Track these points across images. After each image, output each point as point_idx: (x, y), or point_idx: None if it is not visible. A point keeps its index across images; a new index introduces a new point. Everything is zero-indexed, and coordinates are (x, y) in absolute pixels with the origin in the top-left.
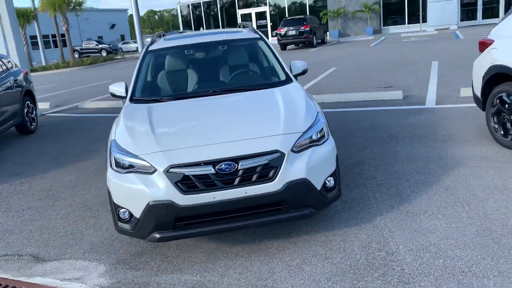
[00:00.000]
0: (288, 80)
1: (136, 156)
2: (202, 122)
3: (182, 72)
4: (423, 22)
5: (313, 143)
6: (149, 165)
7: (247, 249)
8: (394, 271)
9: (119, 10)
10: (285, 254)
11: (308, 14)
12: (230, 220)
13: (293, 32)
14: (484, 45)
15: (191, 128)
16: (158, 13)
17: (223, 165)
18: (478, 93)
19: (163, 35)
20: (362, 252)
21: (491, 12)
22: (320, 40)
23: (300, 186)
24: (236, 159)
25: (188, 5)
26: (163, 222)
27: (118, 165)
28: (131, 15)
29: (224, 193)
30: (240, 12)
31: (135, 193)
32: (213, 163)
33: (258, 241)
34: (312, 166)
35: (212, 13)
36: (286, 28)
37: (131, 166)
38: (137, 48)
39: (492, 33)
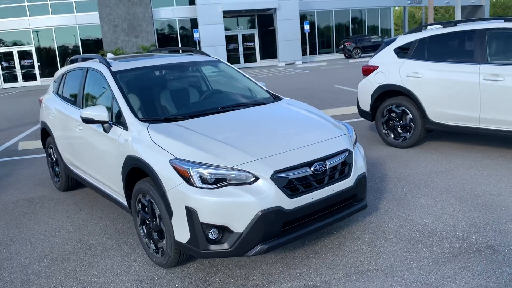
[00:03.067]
0: (276, 97)
1: (230, 168)
2: (255, 132)
3: (170, 93)
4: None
5: (355, 142)
6: (250, 174)
7: (306, 251)
8: None
9: None
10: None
11: (82, 53)
12: (321, 218)
13: None
14: (369, 70)
15: (255, 138)
16: None
17: (317, 166)
18: (367, 108)
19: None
20: None
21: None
22: None
23: (364, 180)
24: (324, 159)
25: None
26: (272, 230)
27: (205, 181)
28: None
29: (319, 193)
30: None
31: (238, 206)
32: (309, 164)
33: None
34: (364, 162)
35: None
36: None
37: (222, 179)
38: None
39: (373, 60)
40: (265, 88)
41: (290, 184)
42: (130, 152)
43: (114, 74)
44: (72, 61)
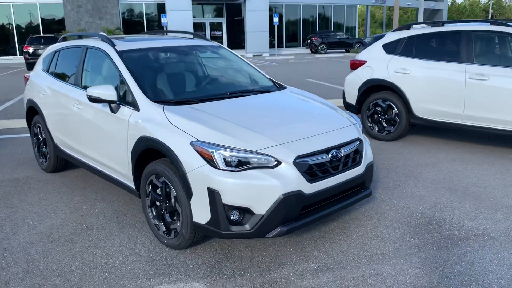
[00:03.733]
0: (280, 85)
1: (253, 152)
2: (271, 118)
3: (177, 75)
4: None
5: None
6: (273, 158)
7: (318, 234)
8: None
9: None
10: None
11: (42, 33)
12: (333, 203)
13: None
14: (356, 64)
15: (272, 124)
16: None
17: (334, 152)
18: (353, 101)
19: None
20: None
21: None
22: None
23: (371, 168)
24: (340, 147)
25: None
26: (292, 213)
27: (228, 163)
28: None
29: (334, 179)
30: None
31: (261, 189)
32: (327, 151)
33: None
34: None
35: None
36: (34, 46)
37: (246, 163)
38: None
39: (362, 54)
40: (268, 76)
41: (310, 169)
42: (143, 133)
43: (120, 54)
44: (64, 39)
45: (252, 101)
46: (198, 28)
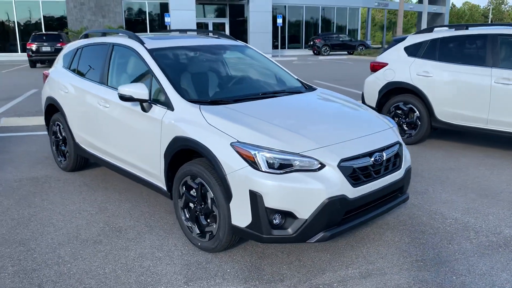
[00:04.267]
0: (308, 86)
1: (296, 154)
2: (309, 120)
3: (208, 75)
4: None
5: None
6: (316, 161)
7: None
8: None
9: None
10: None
11: (44, 30)
12: (374, 208)
13: (48, 49)
14: (377, 66)
15: (312, 126)
16: None
17: (377, 156)
18: (373, 104)
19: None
20: None
21: None
22: None
23: (410, 172)
24: (381, 150)
25: None
26: (335, 218)
27: (271, 165)
28: None
29: (376, 183)
30: None
31: (306, 193)
32: (370, 154)
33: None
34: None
35: None
36: (37, 43)
37: (288, 165)
38: None
39: (382, 56)
40: (296, 77)
41: (353, 173)
42: (178, 133)
43: (150, 52)
44: (86, 36)
45: (286, 102)
46: (202, 28)
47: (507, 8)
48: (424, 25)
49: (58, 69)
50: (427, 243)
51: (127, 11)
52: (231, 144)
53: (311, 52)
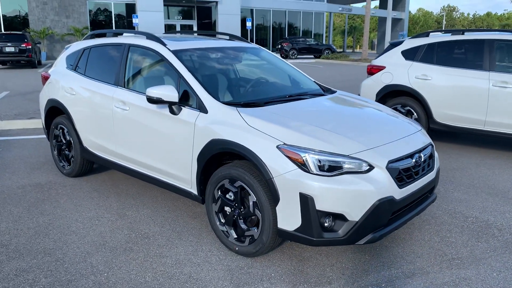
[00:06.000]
0: (327, 88)
1: (346, 156)
2: (346, 122)
3: (233, 77)
4: None
5: None
6: (365, 163)
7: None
8: None
9: None
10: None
11: (3, 30)
12: (412, 208)
13: (12, 49)
14: (374, 69)
15: (351, 127)
16: None
17: (417, 157)
18: None
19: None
20: None
21: None
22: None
23: (439, 173)
24: (419, 151)
25: None
26: (383, 219)
27: (322, 168)
28: None
29: (416, 183)
30: None
31: (357, 195)
32: (411, 155)
33: None
34: None
35: None
36: (1, 44)
37: (338, 167)
38: None
39: (379, 60)
40: (313, 79)
41: (399, 174)
42: (215, 136)
43: (175, 53)
44: (94, 36)
45: (316, 104)
46: (169, 29)
47: (458, 15)
48: (388, 30)
49: (61, 71)
50: (457, 241)
51: (92, 11)
52: (278, 147)
53: (278, 56)
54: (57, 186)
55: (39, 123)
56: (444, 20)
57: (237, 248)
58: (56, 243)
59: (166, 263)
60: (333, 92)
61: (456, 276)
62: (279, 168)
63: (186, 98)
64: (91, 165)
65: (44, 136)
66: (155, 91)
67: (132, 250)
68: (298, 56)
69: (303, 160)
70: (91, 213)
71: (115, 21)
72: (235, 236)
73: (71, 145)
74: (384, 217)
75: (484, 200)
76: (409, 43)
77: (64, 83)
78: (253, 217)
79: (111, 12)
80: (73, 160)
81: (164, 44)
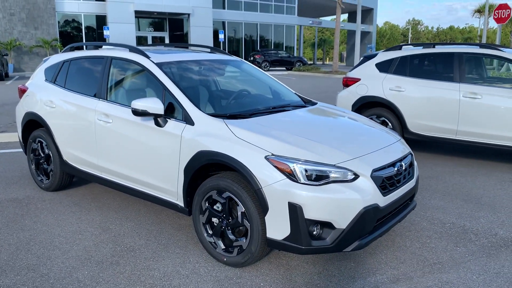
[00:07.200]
0: (308, 100)
1: (332, 166)
2: (329, 133)
3: (217, 89)
4: None
5: None
6: (351, 172)
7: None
8: None
9: None
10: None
11: None
12: (395, 215)
13: None
14: (350, 81)
15: (335, 138)
16: None
17: (399, 166)
18: None
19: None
20: None
21: None
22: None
23: (418, 181)
24: (401, 160)
25: None
26: (369, 226)
27: (309, 177)
28: None
29: (398, 191)
30: None
31: (344, 203)
32: (393, 164)
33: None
34: None
35: None
36: None
37: (325, 176)
38: None
39: (354, 72)
40: (293, 91)
41: (382, 182)
42: (202, 147)
43: (159, 66)
44: (74, 49)
45: (299, 116)
46: (141, 41)
47: (423, 29)
48: (357, 43)
49: (39, 84)
50: (437, 247)
51: (61, 23)
52: (266, 158)
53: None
54: (36, 201)
55: (12, 136)
56: (410, 33)
57: (225, 259)
58: (39, 258)
59: (154, 275)
60: (314, 103)
61: (438, 280)
62: (268, 179)
63: (171, 110)
64: (70, 179)
65: (19, 150)
66: (140, 104)
67: (119, 263)
68: (271, 68)
69: (291, 170)
70: (74, 228)
71: (85, 32)
72: (223, 247)
73: (49, 159)
74: (370, 224)
75: (460, 206)
76: (383, 56)
77: (43, 96)
78: (241, 227)
79: (81, 23)
80: (52, 174)
81: (148, 57)
